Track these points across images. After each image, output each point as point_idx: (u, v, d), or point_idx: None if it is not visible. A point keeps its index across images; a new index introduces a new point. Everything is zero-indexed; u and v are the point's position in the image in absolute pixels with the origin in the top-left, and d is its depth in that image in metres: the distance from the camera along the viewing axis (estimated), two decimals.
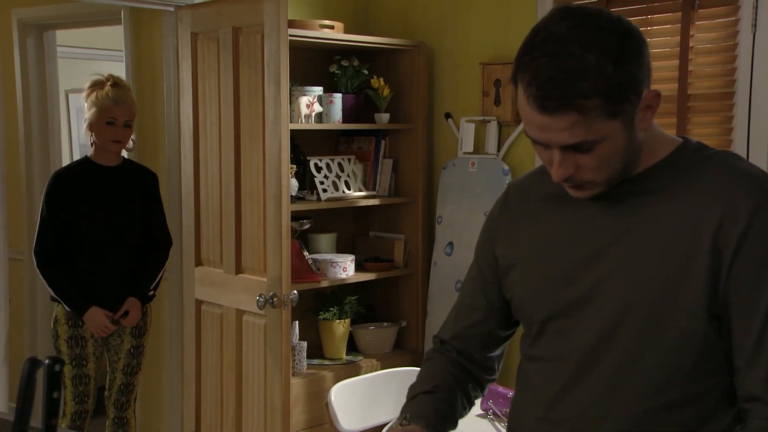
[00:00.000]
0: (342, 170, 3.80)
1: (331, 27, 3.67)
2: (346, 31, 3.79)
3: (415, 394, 1.54)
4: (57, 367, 1.08)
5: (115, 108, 3.23)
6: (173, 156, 3.74)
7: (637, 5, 3.32)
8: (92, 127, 3.26)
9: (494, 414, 2.42)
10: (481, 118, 3.76)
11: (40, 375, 1.11)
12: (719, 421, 1.29)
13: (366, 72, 3.84)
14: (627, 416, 1.30)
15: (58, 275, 3.22)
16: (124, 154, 3.49)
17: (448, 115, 3.92)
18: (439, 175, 3.90)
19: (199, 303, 3.60)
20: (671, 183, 1.31)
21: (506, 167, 3.67)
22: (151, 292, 3.42)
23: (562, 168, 1.27)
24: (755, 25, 3.03)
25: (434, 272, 3.89)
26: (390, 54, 3.93)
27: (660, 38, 3.27)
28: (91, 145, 3.31)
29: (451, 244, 3.82)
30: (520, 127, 3.66)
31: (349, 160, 3.86)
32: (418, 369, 2.97)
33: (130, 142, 3.35)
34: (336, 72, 3.80)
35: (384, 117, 3.86)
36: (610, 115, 1.21)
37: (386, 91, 3.83)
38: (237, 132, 3.32)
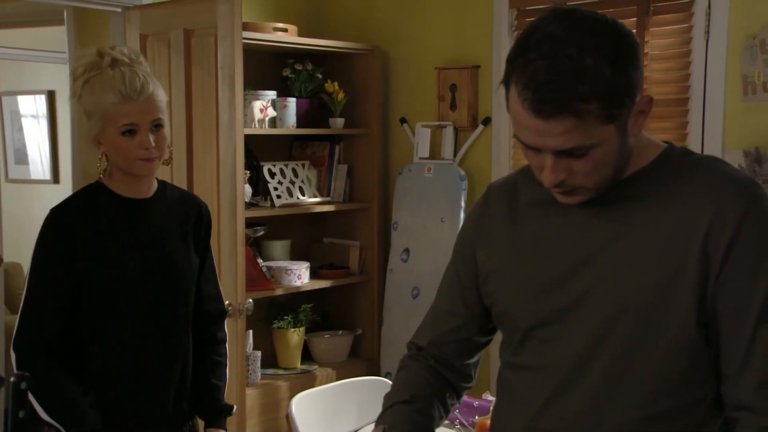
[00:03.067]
0: (296, 176, 3.73)
1: (285, 30, 3.61)
2: (300, 34, 3.73)
3: (391, 403, 1.48)
4: (23, 385, 1.01)
5: (131, 104, 1.83)
6: None
7: None
8: (100, 142, 1.88)
9: (461, 424, 2.39)
10: (437, 123, 3.73)
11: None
12: (709, 430, 1.27)
13: (320, 76, 3.79)
14: (616, 426, 1.27)
15: (52, 384, 1.84)
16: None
17: (403, 120, 3.89)
18: (395, 181, 3.86)
19: None
20: (659, 188, 1.29)
21: (463, 172, 3.64)
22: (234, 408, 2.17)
23: (554, 173, 1.23)
24: (708, 32, 3.07)
25: (390, 279, 3.85)
26: (344, 58, 3.89)
27: None
28: (102, 172, 1.92)
29: (407, 250, 3.78)
30: (477, 131, 3.65)
31: (303, 165, 3.80)
32: (379, 378, 2.94)
33: (167, 151, 1.92)
34: (289, 76, 3.74)
35: (338, 122, 3.81)
36: (606, 119, 1.18)
37: (341, 96, 3.78)
38: (189, 137, 3.23)
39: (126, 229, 1.92)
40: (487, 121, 3.62)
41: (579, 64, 1.14)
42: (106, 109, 1.84)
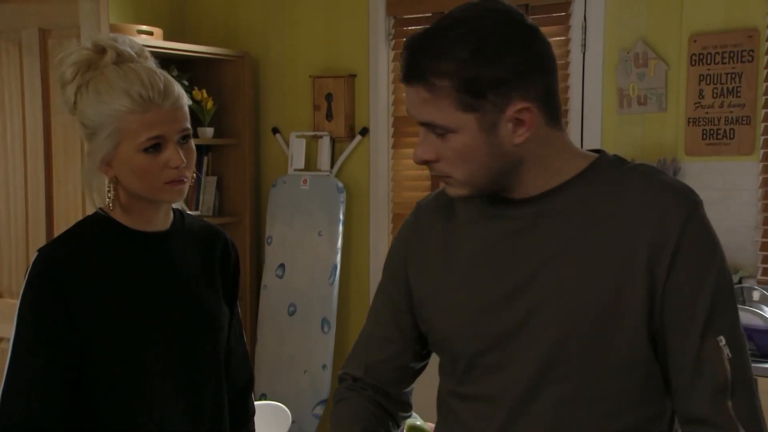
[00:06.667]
0: None
1: (150, 33, 3.37)
2: (165, 38, 3.50)
3: None
4: None
5: (155, 112, 1.41)
6: None
7: None
8: (110, 165, 1.45)
9: None
10: (313, 133, 3.61)
11: None
12: None
13: (186, 83, 3.56)
14: None
15: None
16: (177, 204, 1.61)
17: (276, 130, 3.73)
18: (268, 193, 3.70)
19: None
20: (592, 200, 1.23)
21: (341, 184, 3.54)
22: None
23: (421, 147, 1.23)
24: (585, 45, 3.13)
25: (264, 296, 3.68)
26: (212, 64, 3.69)
27: None
28: (110, 202, 1.47)
29: (282, 266, 3.63)
30: (354, 142, 3.55)
31: None
32: (263, 402, 2.77)
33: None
34: None
35: (207, 131, 3.61)
36: (461, 105, 1.17)
37: (209, 104, 3.58)
38: (48, 146, 2.95)
39: (142, 272, 1.48)
40: (364, 132, 3.53)
41: (447, 43, 1.17)
42: (120, 120, 1.39)
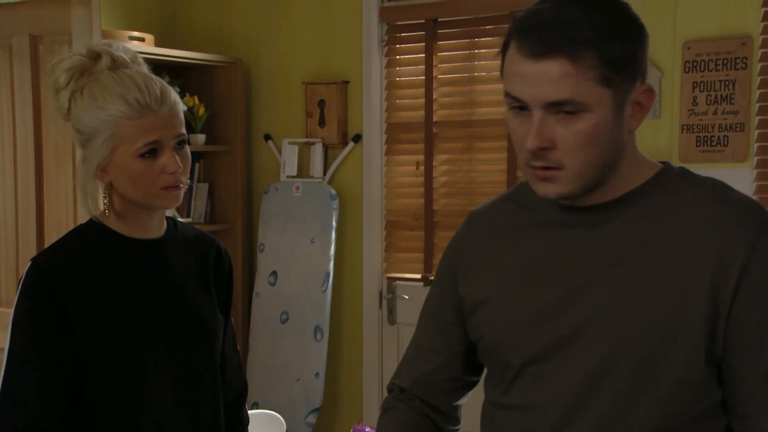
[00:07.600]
0: None
1: (142, 39, 3.35)
2: (157, 44, 3.48)
3: None
4: None
5: (151, 117, 1.41)
6: None
7: (462, 27, 3.33)
8: (105, 171, 1.44)
9: None
10: (305, 140, 3.59)
11: None
12: None
13: (178, 89, 3.53)
14: None
15: None
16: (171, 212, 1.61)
17: (267, 137, 3.71)
18: (260, 200, 3.68)
19: None
20: (658, 211, 1.18)
21: (333, 191, 3.52)
22: None
23: (537, 135, 1.12)
24: None
25: (256, 303, 3.66)
26: (204, 70, 3.67)
27: (488, 62, 3.30)
28: (105, 209, 1.46)
29: (275, 273, 3.61)
30: (347, 149, 3.54)
31: None
32: (257, 411, 2.75)
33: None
34: None
35: (199, 138, 3.58)
36: (602, 79, 1.10)
37: (201, 111, 3.56)
38: (39, 153, 2.93)
39: (138, 278, 1.48)
40: (357, 138, 3.52)
41: (585, 15, 1.11)
42: (116, 125, 1.39)
